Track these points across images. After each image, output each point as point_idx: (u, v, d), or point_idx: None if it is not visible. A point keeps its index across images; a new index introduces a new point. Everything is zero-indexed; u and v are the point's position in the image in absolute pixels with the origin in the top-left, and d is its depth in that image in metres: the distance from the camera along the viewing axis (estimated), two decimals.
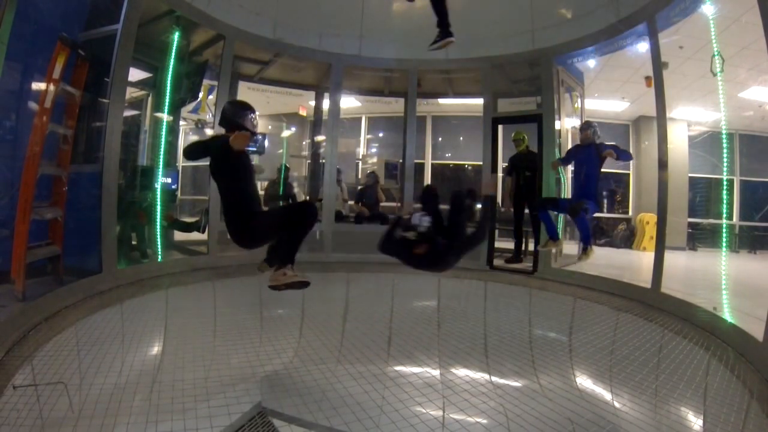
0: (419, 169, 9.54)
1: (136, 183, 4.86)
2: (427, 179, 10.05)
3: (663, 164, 4.29)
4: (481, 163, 6.06)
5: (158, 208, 4.94)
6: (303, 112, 8.99)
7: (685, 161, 8.38)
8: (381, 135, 10.43)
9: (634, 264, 6.83)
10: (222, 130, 2.95)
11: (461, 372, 3.21)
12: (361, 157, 9.31)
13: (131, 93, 5.24)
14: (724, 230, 4.37)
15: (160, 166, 4.98)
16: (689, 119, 8.32)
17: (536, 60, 5.56)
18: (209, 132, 6.93)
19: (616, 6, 4.69)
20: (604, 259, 6.42)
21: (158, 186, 4.94)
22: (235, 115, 2.82)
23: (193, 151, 2.74)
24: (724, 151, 4.06)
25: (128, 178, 4.82)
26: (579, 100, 6.47)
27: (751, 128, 8.60)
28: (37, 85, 3.53)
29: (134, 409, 2.36)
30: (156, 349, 3.37)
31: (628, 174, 9.26)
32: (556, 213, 4.99)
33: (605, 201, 9.23)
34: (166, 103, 5.13)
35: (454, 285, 5.20)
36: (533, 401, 2.70)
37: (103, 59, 4.07)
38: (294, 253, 2.79)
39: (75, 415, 2.21)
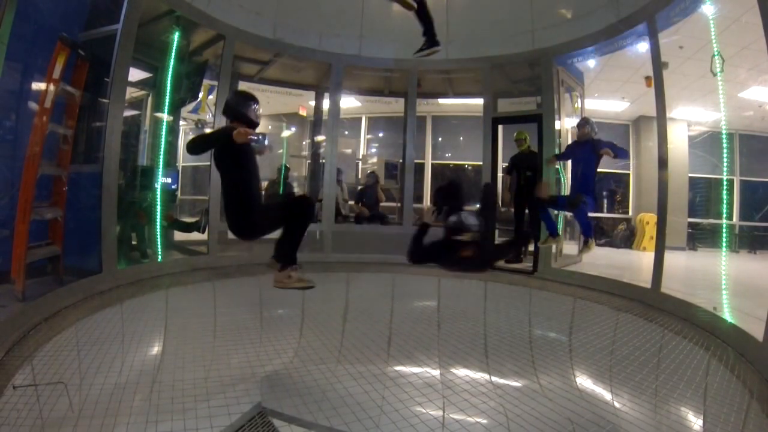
0: (419, 169, 9.55)
1: (136, 183, 4.86)
2: (427, 179, 10.06)
3: (663, 164, 4.29)
4: (481, 163, 6.06)
5: (158, 208, 4.94)
6: (303, 112, 8.98)
7: (685, 161, 8.38)
8: (381, 135, 10.44)
9: (634, 264, 6.83)
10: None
11: (461, 372, 3.21)
12: (361, 157, 9.31)
13: (131, 93, 5.24)
14: (724, 230, 4.37)
15: (160, 166, 4.98)
16: (689, 119, 8.32)
17: (536, 60, 5.56)
18: (209, 132, 6.92)
19: (616, 6, 4.69)
20: (604, 259, 6.43)
21: (158, 186, 4.94)
22: (239, 105, 2.81)
23: (196, 145, 2.73)
24: (724, 151, 4.06)
25: (128, 178, 4.82)
26: (579, 100, 6.47)
27: (751, 128, 8.60)
28: (37, 85, 3.54)
29: (134, 409, 2.36)
30: (156, 349, 3.37)
31: (628, 174, 9.27)
32: (556, 212, 5.00)
33: (605, 201, 9.24)
34: (166, 103, 5.13)
35: (454, 285, 5.20)
36: (533, 401, 2.70)
37: (103, 59, 4.07)
38: (295, 252, 2.87)
39: (75, 415, 2.21)
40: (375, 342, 3.68)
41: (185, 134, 9.33)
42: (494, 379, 3.08)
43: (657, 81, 4.29)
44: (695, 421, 2.49)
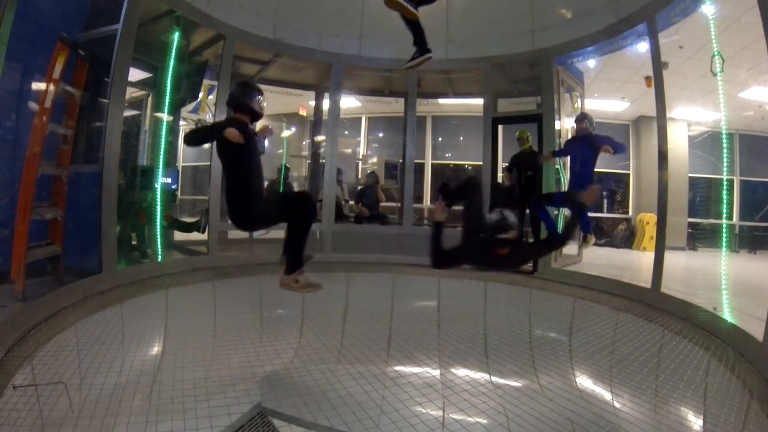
0: (419, 169, 9.55)
1: (136, 183, 4.86)
2: (427, 179, 10.06)
3: (663, 164, 4.29)
4: (481, 163, 6.06)
5: (158, 208, 4.94)
6: (303, 112, 8.98)
7: (685, 161, 8.38)
8: (381, 135, 10.44)
9: (634, 264, 6.83)
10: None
11: (461, 372, 3.21)
12: (361, 157, 9.31)
13: (131, 93, 5.24)
14: (724, 230, 4.37)
15: (160, 166, 4.98)
16: (689, 119, 8.32)
17: (536, 60, 5.56)
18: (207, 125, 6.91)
19: (616, 6, 4.69)
20: (604, 259, 6.43)
21: (158, 186, 4.94)
22: (243, 96, 2.79)
23: (194, 138, 2.73)
24: (724, 151, 4.06)
25: (128, 178, 4.82)
26: (579, 100, 6.47)
27: (751, 128, 8.61)
28: (37, 85, 3.54)
29: (134, 409, 2.36)
30: (156, 349, 3.37)
31: (628, 174, 9.27)
32: (555, 212, 5.01)
33: (605, 201, 9.23)
34: (166, 103, 5.13)
35: (454, 285, 5.20)
36: (533, 401, 2.70)
37: (103, 59, 4.07)
38: (300, 255, 2.87)
39: (75, 415, 2.21)
40: (375, 342, 3.68)
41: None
42: (494, 379, 3.08)
43: (657, 81, 4.29)
44: (695, 421, 2.49)
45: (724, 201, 4.57)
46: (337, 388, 2.84)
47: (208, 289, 4.55)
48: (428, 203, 10.03)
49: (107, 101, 4.02)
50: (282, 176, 6.96)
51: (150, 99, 5.62)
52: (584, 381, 3.10)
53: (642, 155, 8.90)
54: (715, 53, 3.83)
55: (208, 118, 7.36)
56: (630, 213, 9.18)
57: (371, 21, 5.78)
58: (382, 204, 7.26)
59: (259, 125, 3.13)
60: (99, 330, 3.22)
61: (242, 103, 2.78)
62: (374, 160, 8.52)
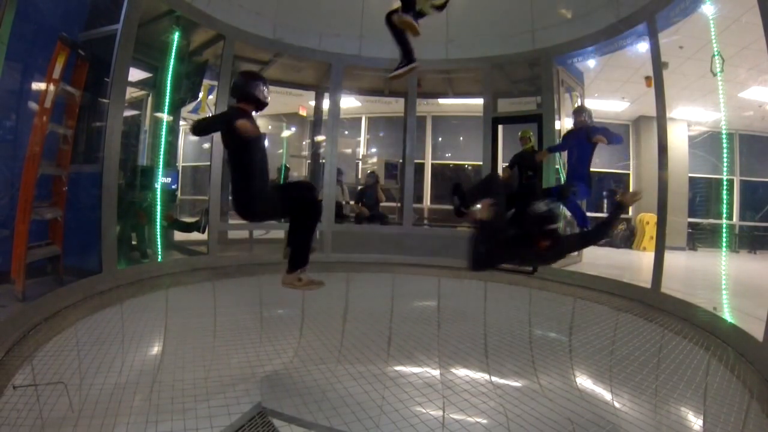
0: (419, 169, 9.56)
1: (136, 183, 4.86)
2: (427, 179, 10.06)
3: (663, 164, 4.29)
4: (481, 163, 6.06)
5: (158, 208, 4.94)
6: (303, 112, 8.99)
7: (685, 161, 8.38)
8: (381, 135, 10.44)
9: (634, 264, 6.83)
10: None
11: (461, 372, 3.21)
12: (361, 157, 9.32)
13: (131, 93, 5.24)
14: (724, 230, 4.37)
15: (160, 166, 4.98)
16: (689, 119, 8.32)
17: (536, 60, 5.56)
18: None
19: (616, 6, 4.69)
20: (604, 259, 6.43)
21: (158, 186, 4.94)
22: (247, 85, 2.77)
23: (201, 129, 2.71)
24: (724, 151, 4.06)
25: (128, 178, 4.82)
26: (579, 100, 6.47)
27: (751, 128, 8.61)
28: (37, 85, 3.54)
29: (134, 409, 2.36)
30: (156, 349, 3.37)
31: (628, 174, 9.27)
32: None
33: (605, 201, 9.23)
34: (166, 103, 5.13)
35: (454, 285, 5.21)
36: (533, 401, 2.70)
37: (103, 59, 4.07)
38: (304, 254, 2.89)
39: (75, 415, 2.21)
40: (375, 342, 3.68)
41: (185, 134, 9.35)
42: (494, 379, 3.08)
43: (657, 81, 4.29)
44: (695, 421, 2.49)
45: (724, 201, 4.57)
46: (337, 388, 2.84)
47: (208, 289, 4.55)
48: (428, 203, 10.04)
49: (107, 101, 4.02)
50: (282, 176, 6.96)
51: (150, 99, 5.62)
52: (584, 381, 3.10)
53: (642, 155, 8.90)
54: (715, 53, 3.83)
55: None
56: (630, 213, 9.18)
57: (371, 21, 5.77)
58: (382, 204, 7.26)
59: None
60: (99, 330, 3.21)
61: (246, 93, 2.76)
62: (374, 160, 8.52)
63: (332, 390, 2.81)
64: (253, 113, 2.83)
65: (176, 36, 4.89)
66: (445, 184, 10.23)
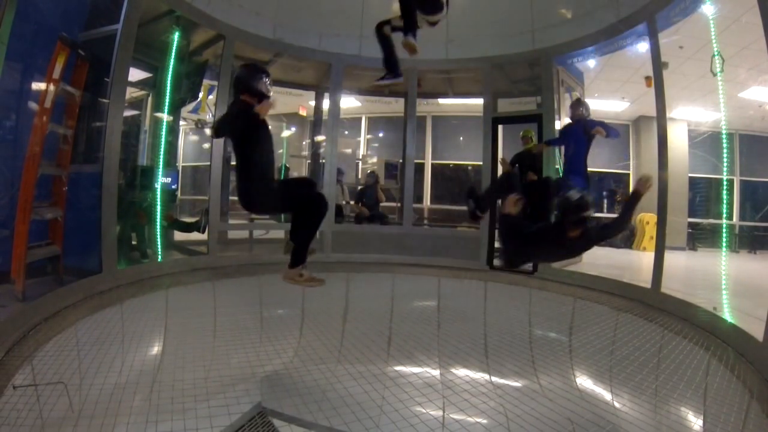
0: (419, 169, 9.56)
1: (136, 183, 4.86)
2: (427, 179, 10.07)
3: (663, 164, 4.29)
4: (481, 163, 6.06)
5: (158, 208, 4.94)
6: (303, 112, 8.99)
7: (685, 161, 8.38)
8: (381, 135, 10.44)
9: (634, 264, 6.83)
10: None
11: (461, 372, 3.21)
12: (361, 157, 9.32)
13: (131, 93, 5.24)
14: (724, 230, 4.37)
15: (160, 166, 4.98)
16: (689, 119, 8.32)
17: (536, 60, 5.56)
18: (209, 132, 6.93)
19: (616, 6, 4.69)
20: (604, 259, 6.42)
21: (158, 186, 4.94)
22: (250, 78, 2.78)
23: (222, 130, 2.74)
24: (724, 151, 4.06)
25: (128, 178, 4.82)
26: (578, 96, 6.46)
27: (751, 128, 8.61)
28: (37, 85, 3.54)
29: (134, 409, 2.36)
30: (156, 349, 3.37)
31: (628, 174, 9.27)
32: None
33: (605, 201, 9.23)
34: (166, 103, 5.13)
35: (454, 285, 5.21)
36: (533, 401, 2.70)
37: (103, 59, 4.07)
38: (306, 250, 2.90)
39: (75, 415, 2.21)
40: (375, 342, 3.68)
41: (185, 134, 9.35)
42: (494, 379, 3.08)
43: (657, 81, 4.29)
44: (695, 421, 2.49)
45: (724, 201, 4.57)
46: (337, 388, 2.84)
47: (208, 289, 4.55)
48: (428, 203, 10.04)
49: (107, 101, 4.02)
50: (282, 176, 6.96)
51: (150, 99, 5.62)
52: (584, 381, 3.10)
53: (642, 155, 8.90)
54: (715, 53, 3.83)
55: (208, 117, 7.37)
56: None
57: (371, 21, 5.75)
58: (382, 204, 7.26)
59: None
60: (99, 330, 3.22)
61: (249, 85, 2.76)
62: (374, 160, 8.52)
63: (332, 390, 2.81)
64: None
65: (176, 36, 4.89)
66: (445, 184, 10.24)
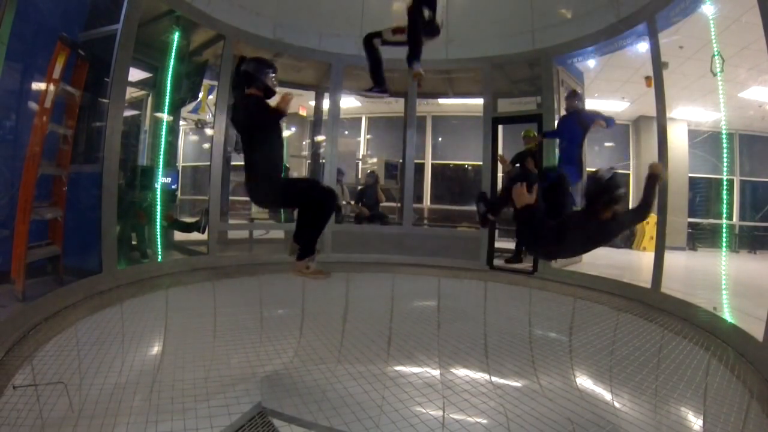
0: (419, 169, 9.55)
1: (136, 183, 4.86)
2: (427, 179, 10.06)
3: (663, 164, 4.29)
4: (481, 163, 6.06)
5: (158, 208, 4.94)
6: (303, 112, 8.98)
7: (685, 161, 8.38)
8: (381, 135, 10.44)
9: (634, 264, 6.83)
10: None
11: (461, 372, 3.21)
12: (361, 157, 9.31)
13: (131, 93, 5.24)
14: (724, 230, 4.37)
15: (160, 166, 4.98)
16: (689, 119, 8.32)
17: (536, 60, 5.56)
18: (209, 132, 6.93)
19: (616, 6, 4.69)
20: (604, 259, 6.42)
21: (158, 186, 4.94)
22: (258, 72, 2.77)
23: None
24: (724, 151, 4.06)
25: (128, 178, 4.82)
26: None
27: (751, 128, 8.60)
28: (37, 85, 3.53)
29: (134, 409, 2.36)
30: (156, 349, 3.37)
31: (628, 174, 9.26)
32: None
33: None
34: (166, 103, 5.13)
35: (454, 285, 5.20)
36: (533, 401, 2.70)
37: (103, 59, 4.06)
38: (315, 244, 2.93)
39: (75, 415, 2.21)
40: (375, 342, 3.68)
41: (185, 134, 9.34)
42: (494, 379, 3.08)
43: (657, 81, 4.29)
44: (695, 421, 2.49)
45: (724, 201, 4.57)
46: (337, 388, 2.84)
47: (208, 289, 4.55)
48: (428, 203, 10.04)
49: (107, 101, 4.02)
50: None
51: (150, 99, 5.62)
52: (584, 381, 3.10)
53: (642, 155, 8.89)
54: (715, 53, 3.83)
55: (208, 118, 7.37)
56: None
57: (371, 21, 5.77)
58: (382, 204, 7.26)
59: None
60: (99, 330, 3.22)
61: (256, 80, 2.75)
62: (374, 160, 8.52)
63: (332, 390, 2.81)
64: None
65: (176, 36, 4.89)
66: (445, 184, 10.24)
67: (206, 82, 6.38)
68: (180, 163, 8.62)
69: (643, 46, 4.87)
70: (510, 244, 6.20)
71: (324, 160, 6.45)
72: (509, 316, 4.50)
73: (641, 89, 7.11)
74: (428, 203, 10.06)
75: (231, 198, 6.69)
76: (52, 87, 3.44)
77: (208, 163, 5.47)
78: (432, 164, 10.12)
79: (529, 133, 5.80)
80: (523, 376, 3.15)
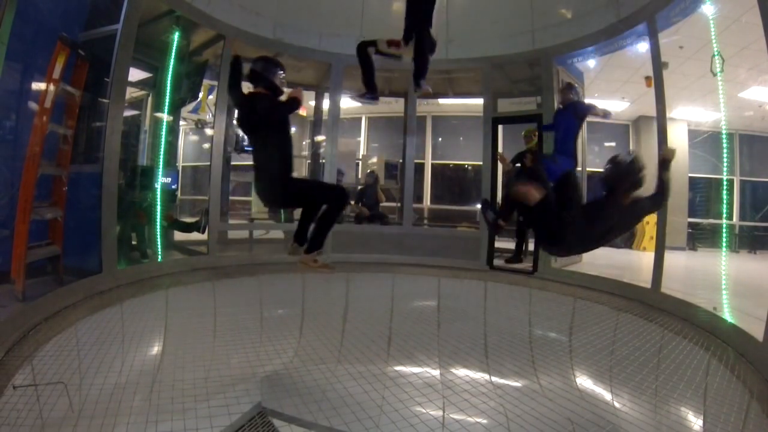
0: (419, 169, 9.55)
1: (136, 183, 4.86)
2: (427, 179, 10.06)
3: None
4: (481, 163, 6.06)
5: (158, 208, 4.94)
6: (303, 112, 8.98)
7: (685, 161, 8.37)
8: (381, 135, 10.44)
9: (634, 264, 6.83)
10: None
11: (461, 372, 3.21)
12: (361, 157, 9.31)
13: (131, 93, 5.24)
14: (724, 230, 4.37)
15: (160, 166, 4.98)
16: (689, 119, 8.32)
17: (536, 60, 5.56)
18: (209, 132, 6.93)
19: (616, 6, 4.69)
20: (604, 259, 6.42)
21: (158, 186, 4.94)
22: (265, 70, 2.78)
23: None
24: (724, 151, 4.06)
25: (128, 178, 4.82)
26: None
27: (751, 128, 8.60)
28: (37, 85, 3.53)
29: (134, 409, 2.36)
30: (156, 349, 3.37)
31: None
32: None
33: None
34: (166, 103, 5.13)
35: (454, 285, 5.20)
36: (533, 401, 2.70)
37: (103, 59, 4.06)
38: (324, 237, 2.94)
39: (75, 415, 2.21)
40: (375, 342, 3.69)
41: (185, 134, 9.34)
42: (494, 379, 3.08)
43: (657, 81, 4.29)
44: (695, 421, 2.49)
45: (724, 201, 4.57)
46: (337, 388, 2.84)
47: (208, 289, 4.55)
48: (428, 203, 10.04)
49: (107, 101, 4.02)
50: None
51: (150, 99, 5.62)
52: (584, 381, 3.10)
53: (642, 155, 8.88)
54: (715, 53, 3.83)
55: (208, 118, 7.37)
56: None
57: (371, 21, 5.78)
58: (382, 204, 7.26)
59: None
60: (99, 330, 3.22)
61: (264, 79, 2.76)
62: (374, 160, 8.51)
63: (332, 390, 2.81)
64: None
65: (176, 36, 4.89)
66: (445, 184, 10.24)
67: (206, 82, 6.38)
68: (180, 163, 8.62)
69: (643, 46, 4.87)
70: (510, 244, 6.20)
71: (324, 160, 6.45)
72: (509, 316, 4.49)
73: (641, 89, 7.11)
74: (428, 203, 10.06)
75: (231, 198, 6.69)
76: (52, 87, 3.44)
77: (208, 163, 5.47)
78: (432, 164, 10.12)
79: (530, 131, 5.80)
80: (523, 376, 3.15)
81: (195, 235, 5.38)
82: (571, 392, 2.84)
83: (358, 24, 5.81)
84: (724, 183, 5.12)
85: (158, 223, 4.93)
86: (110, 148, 4.05)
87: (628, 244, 8.49)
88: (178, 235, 5.69)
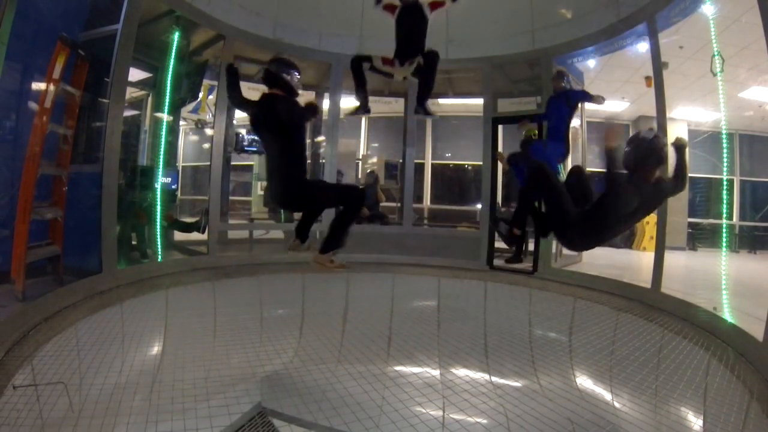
0: (419, 169, 9.55)
1: (136, 183, 4.86)
2: (427, 179, 10.06)
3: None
4: (481, 163, 6.06)
5: (158, 208, 4.94)
6: None
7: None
8: (381, 135, 10.44)
9: (634, 264, 6.83)
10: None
11: (461, 372, 3.21)
12: (361, 157, 9.31)
13: (131, 93, 5.24)
14: (724, 230, 4.37)
15: (160, 166, 4.98)
16: (689, 119, 8.32)
17: (536, 60, 5.56)
18: (209, 132, 6.93)
19: (616, 6, 4.69)
20: (604, 259, 6.42)
21: (158, 186, 4.94)
22: (280, 71, 2.75)
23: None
24: (724, 151, 4.06)
25: (128, 178, 4.82)
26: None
27: (751, 128, 8.60)
28: (37, 85, 3.53)
29: (134, 409, 2.36)
30: (156, 349, 3.37)
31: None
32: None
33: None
34: (166, 103, 5.13)
35: (454, 285, 5.20)
36: (533, 401, 2.70)
37: (103, 59, 4.07)
38: (343, 237, 2.99)
39: (75, 415, 2.21)
40: (375, 342, 3.68)
41: (185, 134, 9.35)
42: (494, 379, 3.08)
43: (657, 81, 4.29)
44: (695, 421, 2.49)
45: (724, 201, 4.57)
46: (337, 388, 2.84)
47: (208, 289, 4.55)
48: (428, 203, 10.03)
49: (107, 101, 4.02)
50: None
51: (150, 99, 5.62)
52: (584, 381, 3.10)
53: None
54: (715, 53, 3.83)
55: (208, 118, 7.37)
56: None
57: (371, 21, 5.77)
58: (382, 204, 7.26)
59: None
60: (99, 330, 3.22)
61: (279, 80, 2.73)
62: (374, 160, 8.52)
63: (332, 390, 2.81)
64: None
65: (176, 36, 4.89)
66: (445, 184, 10.23)
67: (206, 82, 6.38)
68: (180, 163, 8.62)
69: (643, 46, 4.87)
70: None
71: (324, 160, 6.45)
72: (509, 316, 4.49)
73: (641, 89, 7.11)
74: (428, 203, 10.06)
75: (231, 198, 6.69)
76: (52, 87, 3.45)
77: (208, 163, 5.47)
78: (432, 164, 10.12)
79: (530, 132, 5.80)
80: (523, 376, 3.15)
81: (195, 235, 5.38)
82: (571, 392, 2.84)
83: (358, 24, 5.81)
84: (724, 183, 5.12)
85: (158, 223, 4.93)
86: (110, 148, 4.05)
87: (628, 244, 8.49)
88: (178, 235, 5.69)
